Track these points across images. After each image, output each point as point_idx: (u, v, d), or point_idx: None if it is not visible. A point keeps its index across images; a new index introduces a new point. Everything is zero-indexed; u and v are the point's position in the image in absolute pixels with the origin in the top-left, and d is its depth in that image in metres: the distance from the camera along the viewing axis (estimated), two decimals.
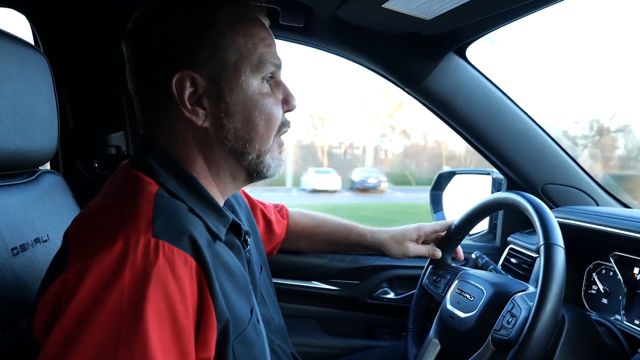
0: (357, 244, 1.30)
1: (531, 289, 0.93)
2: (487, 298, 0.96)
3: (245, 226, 0.88)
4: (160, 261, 0.60)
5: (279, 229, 1.25)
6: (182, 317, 0.61)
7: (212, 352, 0.66)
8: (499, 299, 0.93)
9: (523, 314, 0.85)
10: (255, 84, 0.77)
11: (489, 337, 0.89)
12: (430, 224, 1.28)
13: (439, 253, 1.24)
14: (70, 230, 0.69)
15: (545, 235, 0.86)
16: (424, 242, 1.28)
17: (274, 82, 0.81)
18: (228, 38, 0.75)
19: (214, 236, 0.74)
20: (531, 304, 0.84)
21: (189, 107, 0.74)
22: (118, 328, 0.57)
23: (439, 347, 1.08)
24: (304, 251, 1.43)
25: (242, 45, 0.75)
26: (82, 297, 0.58)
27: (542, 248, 0.86)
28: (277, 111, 0.80)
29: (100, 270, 0.59)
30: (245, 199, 1.08)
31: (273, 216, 1.24)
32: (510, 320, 0.86)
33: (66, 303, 0.58)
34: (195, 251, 0.65)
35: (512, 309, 0.88)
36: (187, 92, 0.73)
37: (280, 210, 1.30)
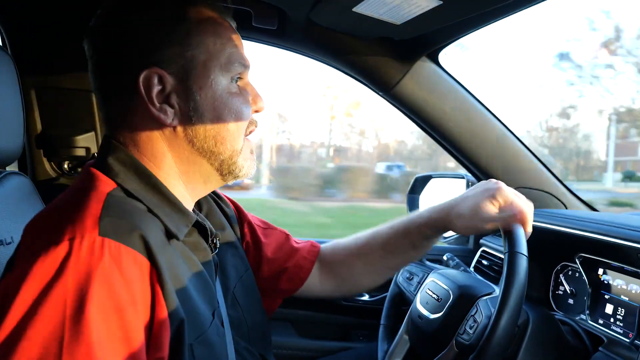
0: (423, 232, 1.04)
1: (497, 291, 0.94)
2: (453, 301, 0.97)
3: (213, 229, 0.87)
4: (105, 259, 0.59)
5: (277, 254, 1.08)
6: (131, 315, 0.60)
7: (165, 352, 0.65)
8: (464, 302, 0.95)
9: (483, 321, 0.87)
10: (224, 83, 0.77)
11: (453, 340, 0.90)
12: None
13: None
14: (25, 229, 0.68)
15: (510, 244, 0.86)
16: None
17: (242, 82, 0.81)
18: (197, 36, 0.74)
19: (172, 236, 0.73)
20: (492, 310, 0.85)
21: (157, 105, 0.73)
22: (61, 329, 0.56)
23: (408, 345, 1.09)
24: (361, 278, 1.13)
25: (210, 44, 0.75)
26: (23, 299, 0.57)
27: (505, 256, 0.85)
28: (247, 111, 0.80)
29: (42, 270, 0.58)
30: (235, 211, 1.07)
31: (265, 239, 1.08)
32: (472, 325, 0.88)
33: (8, 304, 0.57)
34: (147, 249, 0.64)
35: (475, 313, 0.90)
36: (155, 89, 0.73)
37: (308, 251, 1.12)
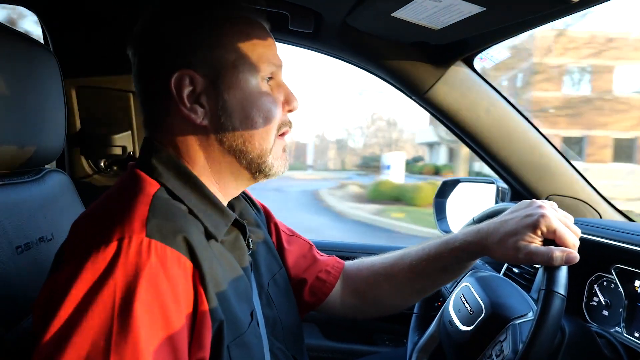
0: (457, 256, 0.97)
1: (530, 315, 0.91)
2: (484, 319, 0.95)
3: (248, 228, 0.89)
4: (152, 260, 0.62)
5: (298, 262, 1.06)
6: (174, 316, 0.63)
7: (207, 352, 0.67)
8: (496, 323, 0.92)
9: (509, 355, 0.84)
10: (254, 82, 0.78)
11: (479, 358, 0.90)
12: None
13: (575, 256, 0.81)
14: (73, 226, 0.71)
15: (548, 281, 0.79)
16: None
17: (275, 82, 0.82)
18: (226, 37, 0.77)
19: (212, 237, 0.75)
20: (519, 345, 0.83)
21: (188, 105, 0.76)
22: (110, 326, 0.58)
23: (437, 343, 1.08)
24: (385, 300, 1.09)
25: (240, 45, 0.77)
26: (74, 296, 0.60)
27: (541, 293, 0.79)
28: (276, 110, 0.81)
29: (93, 269, 0.61)
30: (263, 210, 1.08)
31: (289, 246, 1.08)
32: (498, 353, 0.86)
33: (59, 301, 0.60)
34: (190, 251, 0.67)
35: (504, 340, 0.87)
36: (186, 90, 0.75)
37: (332, 266, 1.10)
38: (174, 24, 0.76)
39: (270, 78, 0.81)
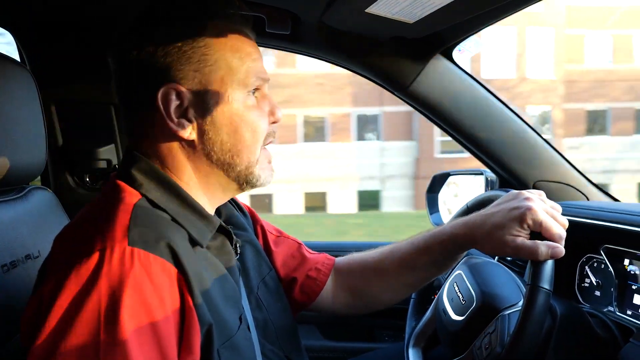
0: (445, 248, 0.97)
1: (520, 305, 0.91)
2: (475, 309, 0.95)
3: (234, 233, 0.89)
4: (135, 268, 0.62)
5: (287, 262, 1.06)
6: (162, 322, 0.63)
7: (197, 356, 0.67)
8: (485, 313, 0.93)
9: (497, 349, 0.85)
10: (241, 97, 0.78)
11: (470, 349, 0.91)
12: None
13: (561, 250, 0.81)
14: (54, 240, 0.71)
15: (534, 276, 0.80)
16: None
17: (260, 93, 0.82)
18: (214, 53, 0.76)
19: (196, 243, 0.75)
20: (506, 338, 0.84)
21: (175, 119, 0.75)
22: (97, 336, 0.59)
23: (434, 329, 1.09)
24: (376, 295, 1.09)
25: (229, 60, 0.77)
26: (60, 307, 0.60)
27: (527, 288, 0.80)
28: (263, 123, 0.81)
29: (77, 281, 0.61)
30: (249, 213, 1.08)
31: (276, 247, 1.07)
32: (487, 345, 0.87)
33: (45, 314, 0.60)
34: (174, 257, 0.67)
35: (492, 332, 0.88)
36: (173, 105, 0.75)
37: (322, 263, 1.09)
38: (158, 36, 0.75)
39: (255, 89, 0.81)
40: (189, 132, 0.76)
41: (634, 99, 18.39)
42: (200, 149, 0.78)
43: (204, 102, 0.76)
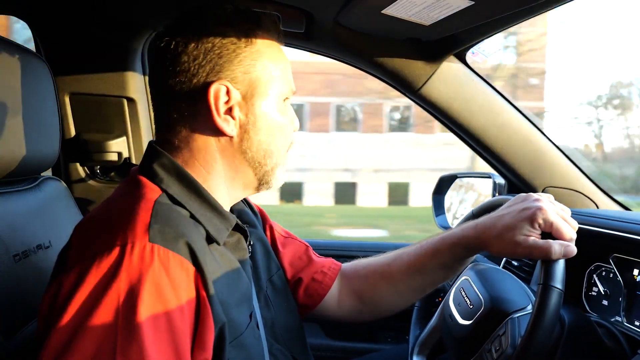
0: (455, 251, 0.98)
1: (529, 308, 0.91)
2: (483, 313, 0.95)
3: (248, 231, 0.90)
4: (155, 265, 0.63)
5: (293, 262, 1.07)
6: (178, 319, 0.64)
7: (210, 354, 0.68)
8: (495, 317, 0.92)
9: (508, 350, 0.84)
10: (277, 104, 0.84)
11: (478, 353, 0.90)
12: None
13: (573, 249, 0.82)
14: (75, 230, 0.72)
15: (546, 275, 0.80)
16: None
17: (287, 103, 0.88)
18: (262, 60, 0.81)
19: (213, 241, 0.77)
20: (518, 339, 0.84)
21: (222, 115, 0.79)
22: (115, 329, 0.60)
23: (438, 336, 1.09)
24: (383, 300, 1.08)
25: (272, 68, 0.82)
26: (79, 300, 0.61)
27: (539, 287, 0.80)
28: (291, 129, 0.88)
29: (97, 273, 0.62)
30: (259, 212, 1.09)
31: (283, 248, 1.07)
32: (497, 348, 0.87)
33: (65, 304, 0.61)
34: (192, 255, 0.68)
35: (502, 334, 0.88)
36: (222, 101, 0.78)
37: (329, 267, 1.09)
38: (217, 33, 0.78)
39: (285, 99, 0.86)
40: (232, 129, 0.80)
41: (330, 93, 17.95)
42: (237, 146, 0.81)
43: (249, 103, 0.80)
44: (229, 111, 0.79)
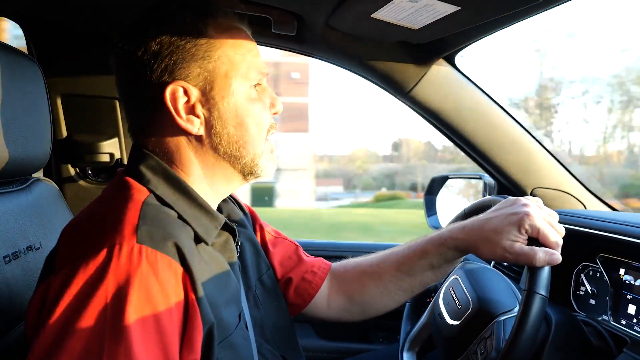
0: (442, 253, 0.99)
1: (516, 310, 0.92)
2: (471, 314, 0.96)
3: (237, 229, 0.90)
4: (142, 266, 0.63)
5: (283, 262, 1.07)
6: (166, 320, 0.64)
7: (198, 354, 0.68)
8: (481, 318, 0.94)
9: (492, 354, 0.86)
10: (244, 91, 0.80)
11: (465, 353, 0.92)
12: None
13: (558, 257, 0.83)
14: (63, 233, 0.71)
15: (530, 281, 0.81)
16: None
17: (261, 88, 0.84)
18: (218, 49, 0.78)
19: (202, 241, 0.77)
20: (502, 343, 0.85)
21: (184, 116, 0.77)
22: (102, 330, 0.59)
23: (429, 334, 1.10)
24: (372, 300, 1.09)
25: (231, 55, 0.79)
26: (67, 302, 0.61)
27: (523, 294, 0.81)
28: (266, 115, 0.84)
29: (85, 275, 0.62)
30: (249, 212, 1.09)
31: (273, 248, 1.08)
32: (482, 350, 0.88)
33: (53, 306, 0.61)
34: (180, 256, 0.67)
35: (488, 337, 0.89)
36: (181, 102, 0.76)
37: (319, 267, 1.09)
38: (161, 33, 0.75)
39: (256, 84, 0.83)
40: (198, 128, 0.78)
41: None
42: (207, 143, 0.79)
43: (210, 98, 0.78)
44: (192, 110, 0.77)
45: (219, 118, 0.78)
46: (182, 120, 0.77)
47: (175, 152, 0.79)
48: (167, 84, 0.75)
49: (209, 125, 0.79)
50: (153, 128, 0.79)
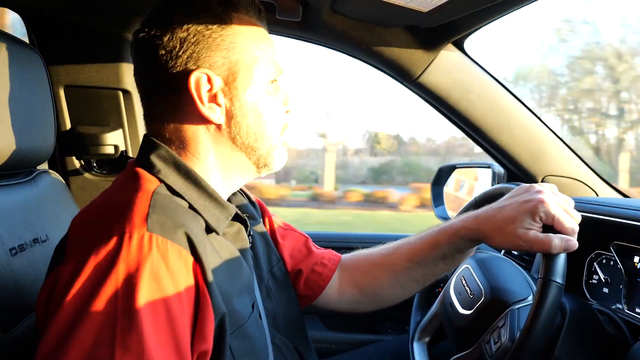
0: (455, 243, 0.96)
1: (529, 299, 0.91)
2: (484, 304, 0.94)
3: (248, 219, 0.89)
4: (153, 254, 0.62)
5: (293, 254, 1.07)
6: (177, 308, 0.63)
7: (210, 344, 0.68)
8: (495, 307, 0.92)
9: (506, 343, 0.84)
10: (265, 84, 0.82)
11: (477, 344, 0.90)
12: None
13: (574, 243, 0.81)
14: (72, 223, 0.71)
15: (546, 269, 0.79)
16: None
17: (277, 85, 0.86)
18: (242, 42, 0.79)
19: (212, 231, 0.76)
20: (516, 333, 0.84)
21: (206, 104, 0.78)
22: (114, 319, 0.59)
23: (439, 324, 1.09)
24: (384, 291, 1.08)
25: (254, 49, 0.80)
26: (78, 290, 0.60)
27: (539, 282, 0.79)
28: (282, 110, 0.86)
29: (95, 263, 0.61)
30: (258, 204, 1.08)
31: (283, 240, 1.07)
32: (496, 340, 0.87)
33: (63, 295, 0.60)
34: (191, 245, 0.67)
35: (502, 326, 0.87)
36: (204, 89, 0.77)
37: (329, 258, 1.09)
38: (189, 22, 0.76)
39: (273, 80, 0.84)
40: (219, 117, 0.79)
41: None
42: (226, 133, 0.81)
43: (232, 88, 0.79)
44: (214, 98, 0.78)
45: (240, 108, 0.80)
46: (204, 107, 0.77)
47: (192, 140, 0.80)
48: (191, 71, 0.76)
49: (229, 115, 0.80)
50: (172, 115, 0.79)
